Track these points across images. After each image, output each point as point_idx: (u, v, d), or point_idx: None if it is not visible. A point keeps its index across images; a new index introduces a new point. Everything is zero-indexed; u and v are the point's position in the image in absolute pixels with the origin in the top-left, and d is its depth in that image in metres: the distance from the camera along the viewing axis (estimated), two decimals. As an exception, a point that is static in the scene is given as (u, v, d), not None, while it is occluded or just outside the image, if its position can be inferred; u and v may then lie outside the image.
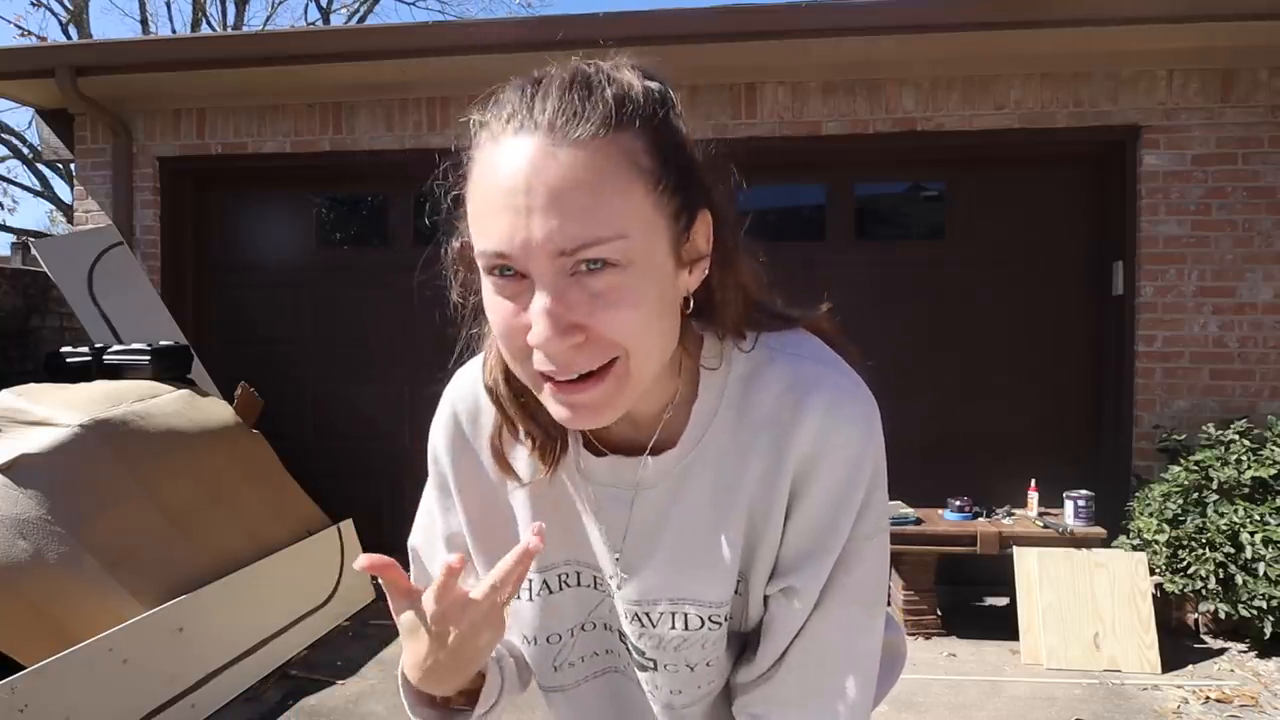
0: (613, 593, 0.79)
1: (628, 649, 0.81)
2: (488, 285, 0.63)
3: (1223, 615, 3.33)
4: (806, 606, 0.72)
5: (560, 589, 0.81)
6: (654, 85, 0.64)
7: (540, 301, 0.58)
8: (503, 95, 0.63)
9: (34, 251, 4.28)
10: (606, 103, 0.59)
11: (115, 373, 3.69)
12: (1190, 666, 3.31)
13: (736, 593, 0.76)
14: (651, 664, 0.79)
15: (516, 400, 0.73)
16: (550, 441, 0.75)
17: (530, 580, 0.80)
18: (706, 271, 0.67)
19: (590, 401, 0.62)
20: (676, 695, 0.80)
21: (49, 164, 12.96)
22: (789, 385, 0.71)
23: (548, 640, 0.83)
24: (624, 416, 0.70)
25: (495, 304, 0.62)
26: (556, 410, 0.63)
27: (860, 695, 0.73)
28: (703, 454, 0.73)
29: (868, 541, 0.73)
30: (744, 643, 0.80)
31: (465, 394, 0.83)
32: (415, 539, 0.93)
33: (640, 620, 0.77)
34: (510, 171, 0.58)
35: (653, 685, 0.81)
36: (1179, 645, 3.47)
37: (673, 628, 0.76)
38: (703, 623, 0.75)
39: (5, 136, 13.39)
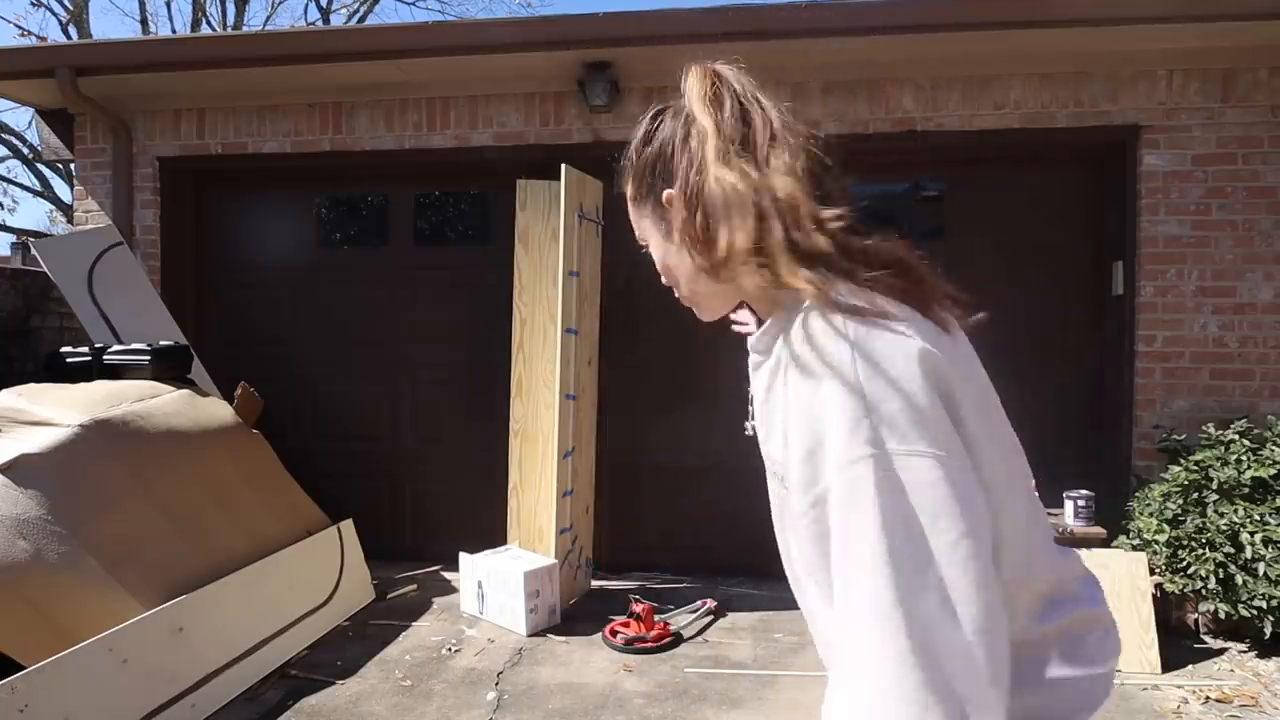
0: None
1: None
2: None
3: (1223, 615, 3.33)
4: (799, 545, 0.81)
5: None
6: (635, 144, 0.94)
7: None
8: None
9: (34, 251, 4.28)
10: (619, 172, 0.98)
11: (115, 373, 3.69)
12: (1190, 666, 3.32)
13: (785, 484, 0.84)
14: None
15: None
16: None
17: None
18: (678, 233, 0.90)
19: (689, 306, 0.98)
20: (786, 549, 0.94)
21: (49, 164, 12.97)
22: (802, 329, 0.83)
23: None
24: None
25: None
26: None
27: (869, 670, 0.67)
28: (767, 358, 0.90)
29: (839, 474, 0.71)
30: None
31: None
32: None
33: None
34: None
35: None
36: (1179, 645, 3.47)
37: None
38: (772, 474, 0.90)
39: (5, 136, 13.39)
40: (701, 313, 0.98)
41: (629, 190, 0.97)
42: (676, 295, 0.98)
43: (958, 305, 0.86)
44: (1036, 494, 0.90)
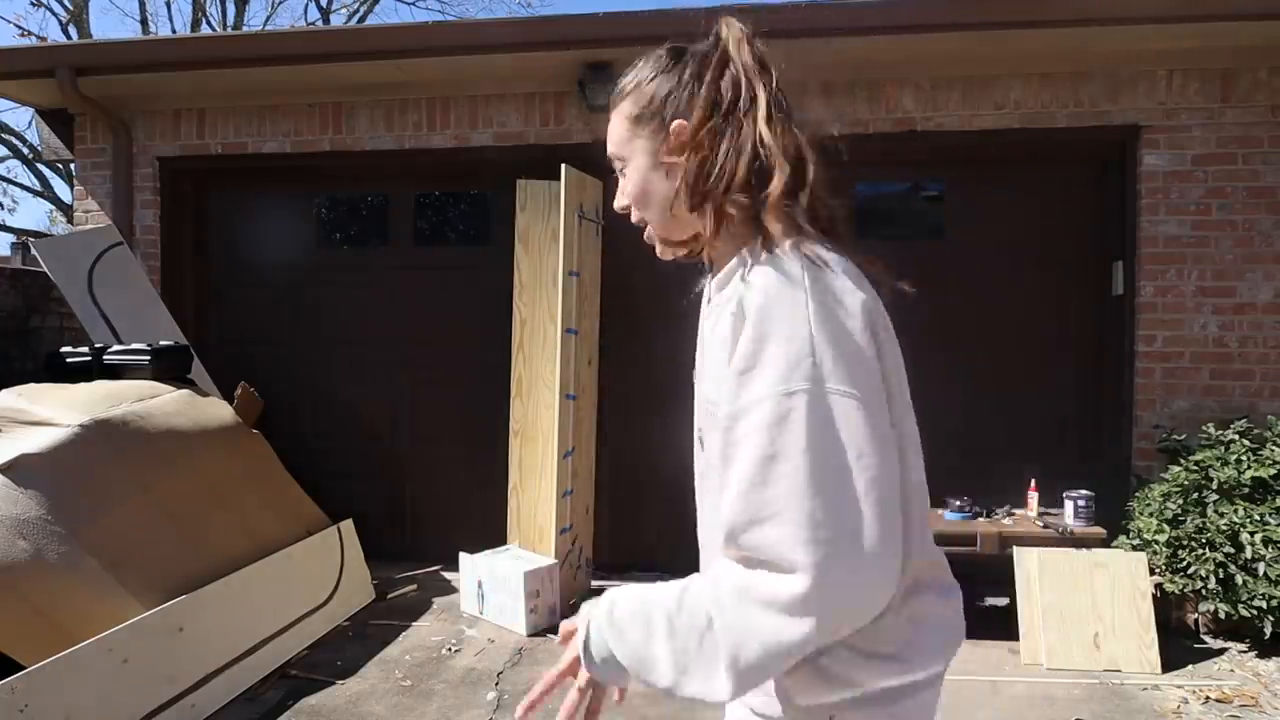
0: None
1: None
2: None
3: (1223, 615, 3.33)
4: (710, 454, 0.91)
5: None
6: (648, 70, 1.06)
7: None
8: None
9: (34, 251, 4.28)
10: (619, 88, 1.07)
11: (115, 373, 3.69)
12: (1190, 666, 3.32)
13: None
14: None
15: None
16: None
17: None
18: (679, 159, 0.97)
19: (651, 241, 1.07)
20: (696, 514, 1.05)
21: (49, 164, 12.97)
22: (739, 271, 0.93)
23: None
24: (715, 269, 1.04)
25: None
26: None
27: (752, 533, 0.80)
28: (715, 307, 0.96)
29: (758, 405, 0.81)
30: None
31: None
32: None
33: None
34: None
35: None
36: (1179, 645, 3.47)
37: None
38: (695, 438, 1.02)
39: (5, 136, 13.40)
40: (662, 243, 1.05)
41: (628, 109, 1.03)
42: (636, 221, 1.05)
43: (873, 267, 0.96)
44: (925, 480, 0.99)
